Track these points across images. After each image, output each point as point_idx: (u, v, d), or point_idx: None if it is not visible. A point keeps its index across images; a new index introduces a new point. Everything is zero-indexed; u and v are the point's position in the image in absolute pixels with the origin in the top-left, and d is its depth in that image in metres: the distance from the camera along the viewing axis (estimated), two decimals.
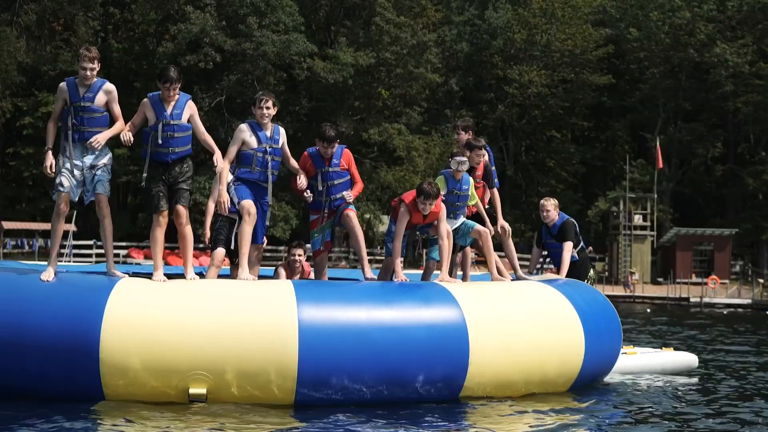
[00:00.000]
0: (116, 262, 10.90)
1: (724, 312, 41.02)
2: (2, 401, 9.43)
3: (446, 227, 11.47)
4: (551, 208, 13.53)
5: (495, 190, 12.82)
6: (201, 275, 11.16)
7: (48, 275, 9.80)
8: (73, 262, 43.50)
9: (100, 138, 10.00)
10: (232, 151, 11.00)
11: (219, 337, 9.46)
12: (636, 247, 60.16)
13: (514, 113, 66.99)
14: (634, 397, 11.65)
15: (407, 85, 59.69)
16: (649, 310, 36.82)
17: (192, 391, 9.40)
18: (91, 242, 52.42)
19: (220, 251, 11.89)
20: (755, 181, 63.59)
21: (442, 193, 11.60)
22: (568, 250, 13.31)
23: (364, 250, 11.76)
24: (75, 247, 51.54)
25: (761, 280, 52.30)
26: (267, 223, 11.50)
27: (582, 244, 13.89)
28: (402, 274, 11.36)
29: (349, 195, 11.67)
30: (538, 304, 11.09)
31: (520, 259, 13.52)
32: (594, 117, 70.73)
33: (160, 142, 10.15)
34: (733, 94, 63.32)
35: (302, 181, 11.45)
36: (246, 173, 11.01)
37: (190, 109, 10.38)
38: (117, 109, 10.24)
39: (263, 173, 11.05)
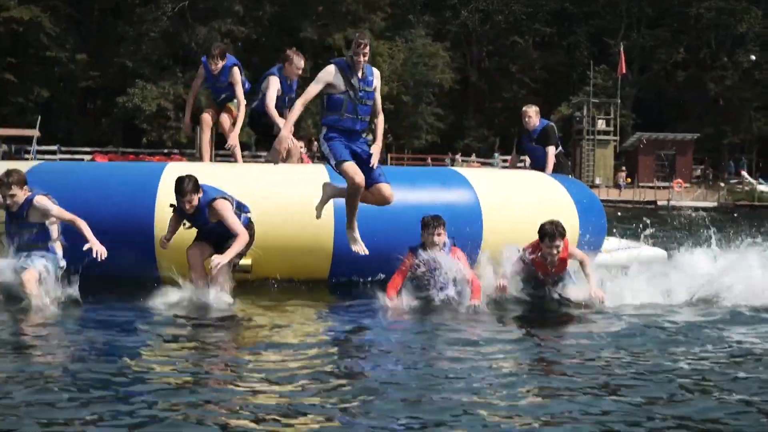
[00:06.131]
0: None
1: (693, 214, 41.44)
2: None
3: None
4: (533, 114, 13.51)
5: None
6: None
7: None
8: None
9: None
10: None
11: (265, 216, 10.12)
12: (599, 152, 60.66)
13: (477, 18, 66.82)
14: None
15: None
16: (620, 213, 37.07)
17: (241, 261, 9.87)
18: (54, 147, 51.89)
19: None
20: (717, 87, 64.09)
21: None
22: (552, 153, 13.43)
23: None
24: (39, 152, 51.11)
25: (722, 184, 53.10)
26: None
27: (561, 148, 14.00)
28: None
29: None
30: (542, 192, 11.36)
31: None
32: (556, 23, 70.63)
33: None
34: (695, 0, 63.43)
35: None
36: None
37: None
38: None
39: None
